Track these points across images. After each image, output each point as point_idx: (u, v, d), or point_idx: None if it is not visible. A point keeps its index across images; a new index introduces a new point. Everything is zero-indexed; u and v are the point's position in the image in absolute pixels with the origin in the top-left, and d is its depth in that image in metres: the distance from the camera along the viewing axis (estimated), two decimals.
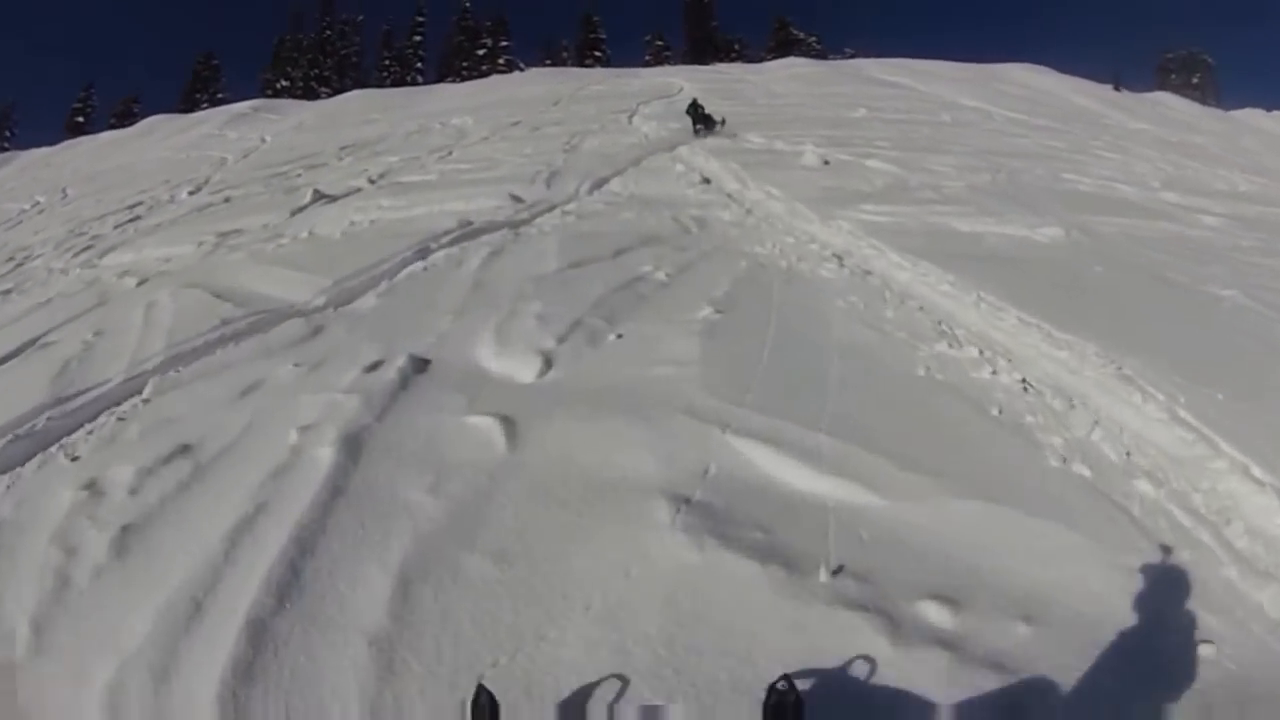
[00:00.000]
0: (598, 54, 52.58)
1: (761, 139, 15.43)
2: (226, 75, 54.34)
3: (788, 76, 32.10)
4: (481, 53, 51.15)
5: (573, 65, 48.50)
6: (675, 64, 46.31)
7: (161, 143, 28.45)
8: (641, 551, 2.94)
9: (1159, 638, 2.58)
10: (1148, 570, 2.87)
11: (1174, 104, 38.28)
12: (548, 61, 51.26)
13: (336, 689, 2.41)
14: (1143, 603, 2.71)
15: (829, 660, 2.43)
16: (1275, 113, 42.36)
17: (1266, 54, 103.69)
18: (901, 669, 2.42)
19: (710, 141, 15.27)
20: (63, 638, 2.70)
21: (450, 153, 16.10)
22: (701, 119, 16.68)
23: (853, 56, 46.43)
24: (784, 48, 49.35)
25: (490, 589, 2.79)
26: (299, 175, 15.40)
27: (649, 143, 15.89)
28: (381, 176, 13.39)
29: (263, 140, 25.17)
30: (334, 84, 50.59)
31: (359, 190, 12.00)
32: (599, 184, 11.11)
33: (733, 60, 47.77)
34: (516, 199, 9.92)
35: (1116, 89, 38.96)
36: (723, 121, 16.90)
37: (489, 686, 1.85)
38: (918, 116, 20.82)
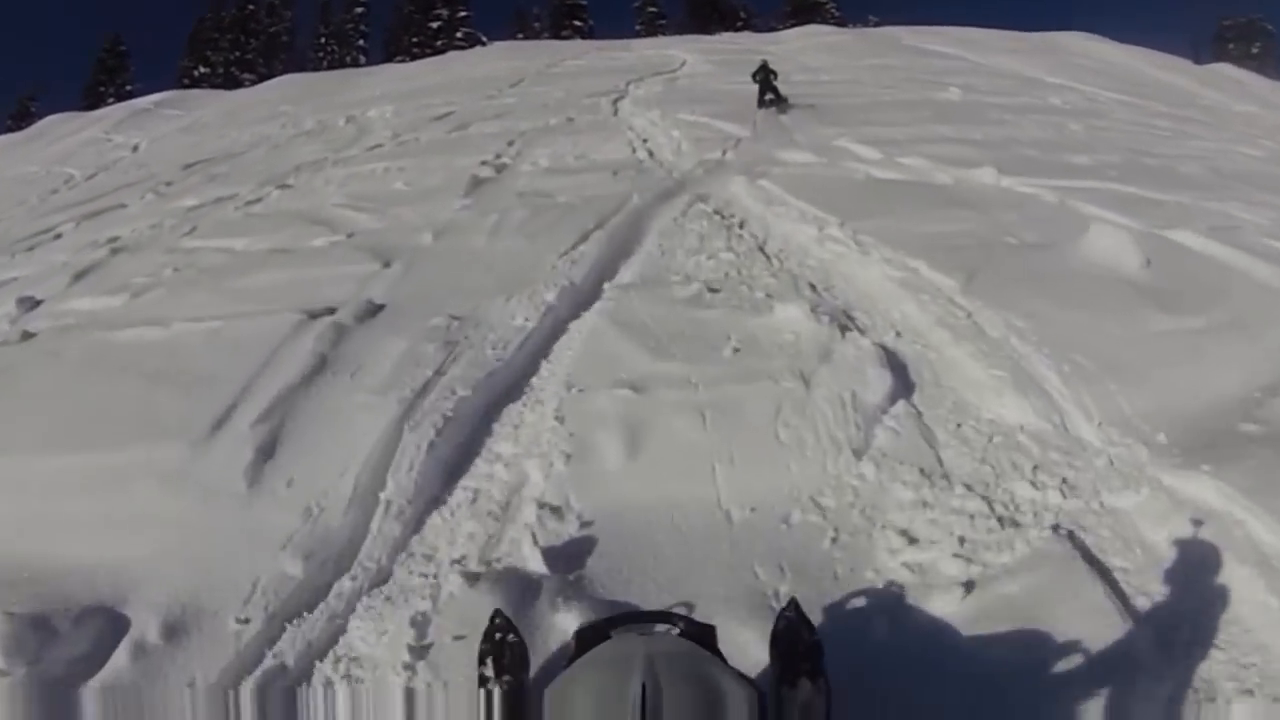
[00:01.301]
0: (577, 23, 44.43)
1: (868, 149, 8.78)
2: (142, 64, 46.86)
3: (816, 47, 25.11)
4: (436, 25, 43.04)
5: (548, 38, 41.02)
6: (671, 34, 38.85)
7: (43, 151, 22.58)
8: None
9: None
10: None
11: (1241, 77, 31.98)
12: (519, 35, 43.63)
13: None
14: None
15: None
16: None
17: None
18: None
19: (786, 168, 8.34)
20: None
21: (268, 193, 9.39)
22: (773, 89, 12.49)
23: (878, 24, 39.43)
24: (802, 14, 41.33)
25: None
26: (56, 237, 9.44)
27: (649, 160, 9.05)
28: (81, 275, 6.87)
29: (134, 149, 19.35)
30: (261, 69, 42.75)
31: None
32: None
33: (739, 30, 40.26)
34: None
35: (1197, 62, 32.98)
36: (787, 99, 12.47)
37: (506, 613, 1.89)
38: (1024, 100, 14.52)
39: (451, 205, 7.20)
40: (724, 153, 9.11)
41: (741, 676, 1.36)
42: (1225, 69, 34.89)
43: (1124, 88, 19.92)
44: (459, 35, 42.06)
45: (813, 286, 4.85)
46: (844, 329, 4.10)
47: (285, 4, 47.78)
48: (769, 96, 12.29)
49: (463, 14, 44.16)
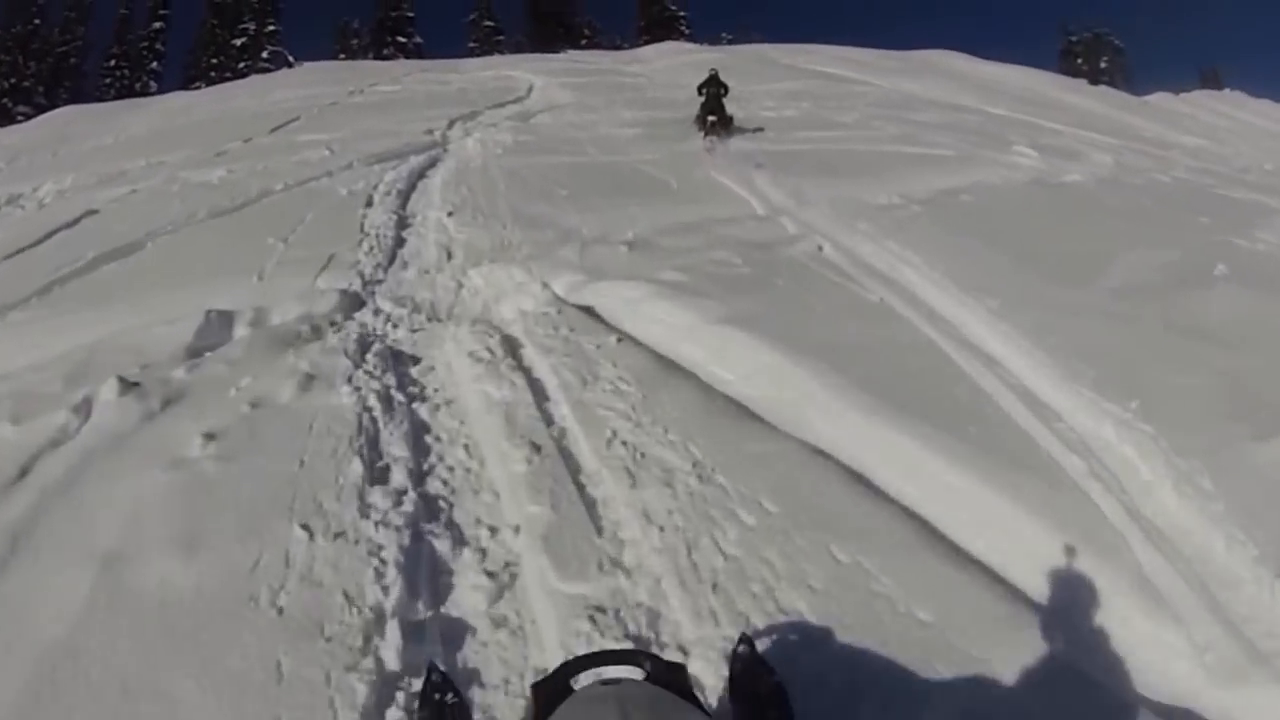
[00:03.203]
0: (401, 40, 37.28)
1: None
2: None
3: (689, 65, 20.08)
4: (240, 43, 35.40)
5: (371, 58, 34.18)
6: (508, 53, 32.83)
7: None
8: None
9: None
10: None
11: (1112, 95, 29.97)
12: (341, 55, 36.50)
13: None
14: None
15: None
16: (1183, 95, 35.65)
17: (1165, 33, 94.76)
18: None
19: None
20: None
21: None
22: (719, 109, 8.99)
23: (732, 42, 35.17)
24: (656, 30, 36.20)
25: None
26: None
27: None
28: None
29: None
30: (39, 99, 33.35)
31: None
32: None
33: (584, 47, 34.65)
34: None
35: (1093, 84, 30.60)
36: (733, 120, 9.18)
37: (441, 667, 1.58)
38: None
39: None
40: None
41: None
42: (1084, 85, 32.65)
43: (1055, 116, 15.66)
44: (265, 55, 34.37)
45: None
46: None
47: (79, 19, 37.86)
48: (712, 120, 8.92)
49: (271, 28, 36.29)
